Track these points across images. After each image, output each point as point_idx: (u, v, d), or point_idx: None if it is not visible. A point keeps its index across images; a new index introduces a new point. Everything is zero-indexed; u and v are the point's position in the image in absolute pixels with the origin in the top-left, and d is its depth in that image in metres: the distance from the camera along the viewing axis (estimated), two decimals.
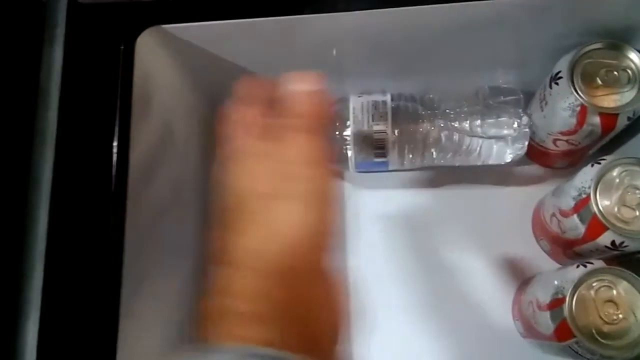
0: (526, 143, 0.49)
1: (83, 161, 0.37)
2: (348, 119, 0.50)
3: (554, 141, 0.47)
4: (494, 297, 0.50)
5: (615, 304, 0.38)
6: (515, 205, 0.53)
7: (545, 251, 0.50)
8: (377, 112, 0.50)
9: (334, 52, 0.47)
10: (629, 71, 0.42)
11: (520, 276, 0.50)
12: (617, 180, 0.40)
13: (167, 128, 0.48)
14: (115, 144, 0.37)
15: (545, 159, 0.52)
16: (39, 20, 0.37)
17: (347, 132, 0.50)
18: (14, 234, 0.33)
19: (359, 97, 0.51)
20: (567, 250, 0.45)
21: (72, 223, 0.35)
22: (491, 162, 0.51)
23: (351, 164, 0.51)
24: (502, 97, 0.50)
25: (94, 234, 0.36)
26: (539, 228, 0.50)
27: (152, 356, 0.41)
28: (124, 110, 0.38)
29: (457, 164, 0.52)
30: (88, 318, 0.35)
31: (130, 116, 0.38)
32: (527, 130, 0.49)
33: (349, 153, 0.50)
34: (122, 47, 0.39)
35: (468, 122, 0.50)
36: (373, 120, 0.49)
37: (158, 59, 0.43)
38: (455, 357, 0.49)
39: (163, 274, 0.45)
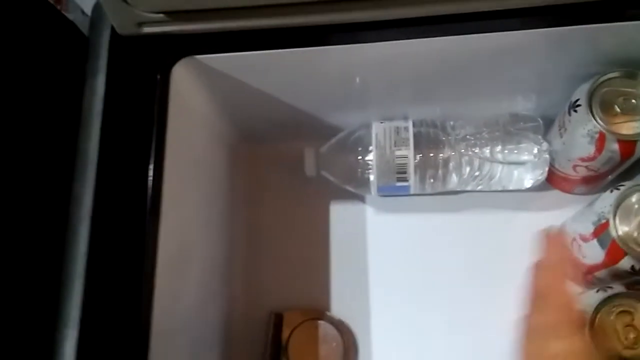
0: (546, 169, 0.50)
1: (121, 184, 0.39)
2: (371, 144, 0.51)
3: (574, 167, 0.48)
4: (511, 324, 0.50)
5: (636, 328, 0.38)
6: (535, 230, 0.53)
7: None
8: (399, 137, 0.51)
9: (357, 80, 0.49)
10: None
11: None
12: (637, 205, 0.40)
13: (198, 154, 0.50)
14: (151, 167, 0.39)
15: (565, 185, 0.52)
16: (82, 53, 0.40)
17: (370, 156, 0.52)
18: (56, 253, 0.35)
19: (382, 123, 0.53)
20: (588, 275, 0.46)
21: (110, 243, 0.37)
22: (511, 187, 0.52)
23: (373, 188, 0.53)
24: (521, 124, 0.51)
25: (130, 254, 0.38)
26: None
27: None
28: (159, 137, 0.40)
29: (477, 189, 0.53)
30: (122, 335, 0.37)
31: (165, 142, 0.40)
32: (547, 156, 0.50)
33: (371, 177, 0.52)
34: (159, 77, 0.41)
35: (488, 148, 0.51)
36: (395, 146, 0.51)
37: (191, 87, 0.45)
38: None
39: (193, 292, 0.47)
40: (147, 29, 0.39)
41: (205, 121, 0.51)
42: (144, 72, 0.41)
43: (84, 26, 0.43)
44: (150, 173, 0.39)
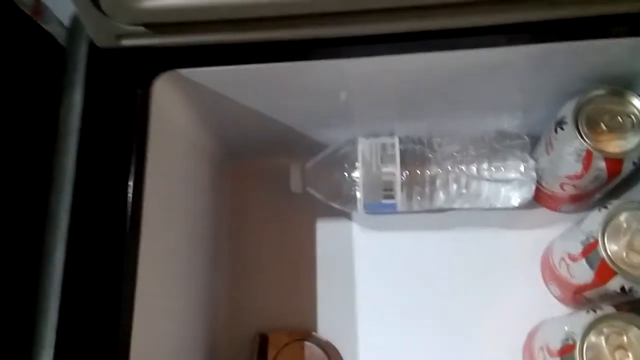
0: (533, 187, 0.49)
1: (100, 201, 0.38)
2: (357, 161, 0.51)
3: (561, 185, 0.48)
4: (503, 343, 0.49)
5: (626, 350, 0.38)
6: (523, 248, 0.53)
7: (555, 296, 0.50)
8: (385, 154, 0.50)
9: (343, 95, 0.49)
10: (633, 117, 0.43)
11: (530, 321, 0.49)
12: (625, 225, 0.40)
13: (181, 170, 0.49)
14: (130, 183, 0.38)
15: (552, 203, 0.52)
16: (59, 65, 0.39)
17: (356, 173, 0.51)
18: (31, 272, 0.34)
19: (368, 139, 0.52)
20: (577, 295, 0.45)
21: (88, 262, 0.36)
22: (499, 205, 0.52)
23: (360, 205, 0.52)
24: (508, 141, 0.51)
25: (108, 273, 0.37)
26: (548, 272, 0.50)
27: None
28: (140, 152, 0.39)
29: (465, 207, 0.52)
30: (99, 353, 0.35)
31: (145, 158, 0.39)
32: (533, 174, 0.49)
33: (358, 194, 0.51)
34: (140, 91, 0.40)
35: (475, 165, 0.51)
36: (382, 163, 0.50)
37: (174, 102, 0.45)
38: None
39: (175, 313, 0.46)
40: (126, 42, 0.38)
41: (188, 136, 0.50)
42: (123, 85, 0.40)
43: (61, 38, 0.42)
44: (130, 190, 0.38)
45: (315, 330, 0.52)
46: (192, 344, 0.50)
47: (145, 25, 0.37)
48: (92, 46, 0.38)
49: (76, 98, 0.37)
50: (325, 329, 0.52)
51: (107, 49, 0.39)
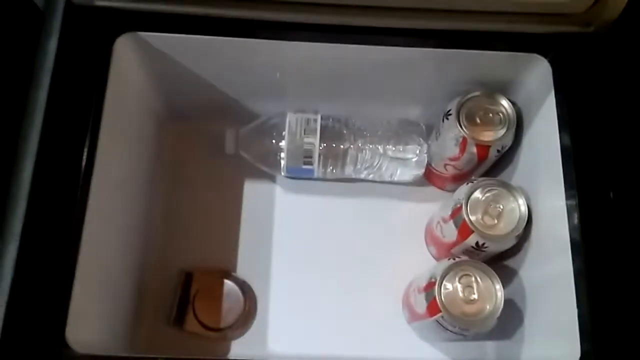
0: (424, 164, 0.60)
1: (64, 128, 0.44)
2: (284, 131, 0.60)
3: (444, 166, 0.59)
4: (390, 289, 0.60)
5: (473, 288, 0.49)
6: (413, 217, 0.64)
7: (432, 255, 0.61)
8: (308, 127, 0.60)
9: (278, 74, 0.58)
10: (501, 114, 0.55)
11: (412, 274, 0.60)
12: (483, 195, 0.52)
13: (130, 124, 0.56)
14: (88, 135, 0.45)
15: (439, 181, 0.64)
16: (34, 19, 0.45)
17: (282, 142, 0.60)
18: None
19: (295, 114, 0.61)
20: (447, 252, 0.57)
21: (48, 188, 0.43)
22: (396, 179, 0.63)
23: (283, 168, 0.61)
24: (409, 127, 0.62)
25: (67, 190, 0.43)
26: (429, 236, 0.61)
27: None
28: (99, 96, 0.46)
29: (369, 178, 0.63)
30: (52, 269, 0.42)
31: (104, 100, 0.46)
32: (425, 155, 0.60)
33: (282, 159, 0.60)
34: (104, 45, 0.47)
35: (381, 144, 0.61)
36: (305, 134, 0.59)
37: (130, 59, 0.52)
38: (353, 336, 0.58)
39: (113, 248, 0.53)
40: (99, 2, 0.45)
41: (139, 94, 0.57)
42: (91, 39, 0.47)
43: None
44: (89, 127, 0.45)
45: (234, 271, 0.60)
46: (128, 275, 0.57)
47: None
48: (68, 2, 0.45)
49: (52, 44, 0.44)
50: (242, 270, 0.60)
51: (81, 6, 0.45)
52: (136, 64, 0.53)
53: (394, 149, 0.61)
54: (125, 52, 0.50)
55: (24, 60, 0.43)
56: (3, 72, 0.41)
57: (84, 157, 0.44)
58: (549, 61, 0.52)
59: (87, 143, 0.45)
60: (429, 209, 0.63)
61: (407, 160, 0.61)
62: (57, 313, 0.41)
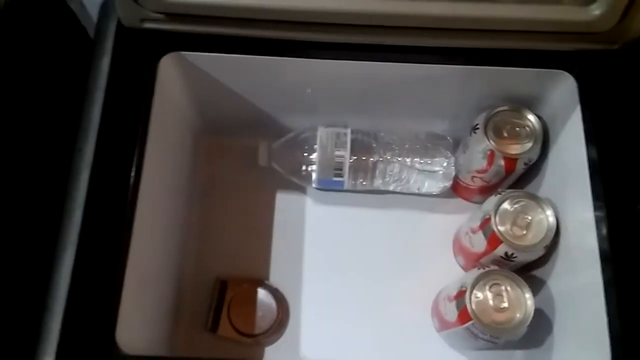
0: (452, 177, 0.62)
1: (116, 145, 0.47)
2: (315, 144, 0.62)
3: (472, 178, 0.61)
4: (419, 297, 0.61)
5: (503, 297, 0.51)
6: (441, 228, 0.65)
7: (460, 265, 0.63)
8: (339, 140, 0.62)
9: (309, 90, 0.60)
10: (527, 128, 0.57)
11: (440, 284, 0.62)
12: (512, 207, 0.53)
13: (171, 138, 0.58)
14: (136, 151, 0.48)
15: (466, 193, 0.65)
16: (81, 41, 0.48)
17: (313, 154, 0.62)
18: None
19: (326, 128, 0.63)
20: (475, 262, 0.58)
21: (102, 201, 0.45)
22: (424, 191, 0.64)
23: (314, 180, 0.63)
24: (436, 141, 0.64)
25: (113, 226, 0.46)
26: (457, 246, 0.63)
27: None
28: (146, 112, 0.49)
29: (397, 190, 0.65)
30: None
31: (150, 115, 0.49)
32: (453, 167, 0.62)
33: (313, 171, 0.62)
34: (150, 65, 0.50)
35: (409, 157, 0.63)
36: (335, 147, 0.62)
37: (173, 76, 0.54)
38: (382, 343, 0.60)
39: (157, 256, 0.55)
40: (147, 25, 0.48)
41: (181, 109, 0.60)
42: (140, 58, 0.50)
43: (81, 16, 0.52)
44: (136, 150, 0.48)
45: (267, 279, 0.62)
46: (166, 284, 0.59)
47: (165, 13, 0.47)
48: (119, 25, 0.48)
49: (105, 64, 0.47)
50: (275, 279, 0.62)
51: (130, 28, 0.48)
52: (178, 80, 0.56)
53: (421, 161, 0.63)
54: (169, 70, 0.53)
55: (77, 80, 0.46)
56: (60, 91, 0.44)
57: (133, 169, 0.47)
58: (575, 77, 0.53)
59: (135, 155, 0.47)
60: (457, 220, 0.64)
61: (434, 173, 0.63)
62: (108, 317, 0.43)
